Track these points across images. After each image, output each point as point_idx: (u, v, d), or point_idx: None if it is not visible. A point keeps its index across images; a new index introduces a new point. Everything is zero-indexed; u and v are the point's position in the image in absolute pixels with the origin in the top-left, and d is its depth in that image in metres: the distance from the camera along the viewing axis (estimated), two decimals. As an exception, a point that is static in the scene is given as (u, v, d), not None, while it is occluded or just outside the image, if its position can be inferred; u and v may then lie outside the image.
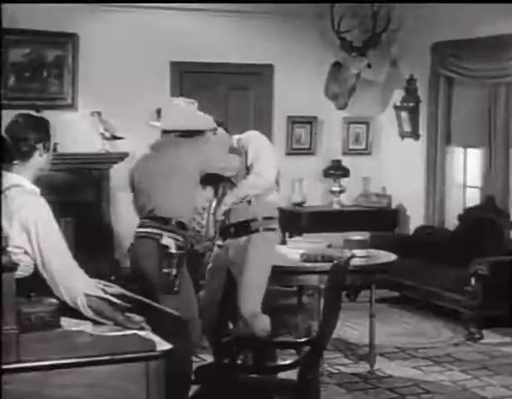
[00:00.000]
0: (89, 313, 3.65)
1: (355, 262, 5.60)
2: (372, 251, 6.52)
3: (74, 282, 3.66)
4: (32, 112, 4.11)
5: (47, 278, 3.66)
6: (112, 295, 3.81)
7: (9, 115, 4.04)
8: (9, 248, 3.32)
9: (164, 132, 5.52)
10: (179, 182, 5.18)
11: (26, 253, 3.65)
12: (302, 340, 4.18)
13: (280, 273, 5.74)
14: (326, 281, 4.00)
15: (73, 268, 3.74)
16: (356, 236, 6.75)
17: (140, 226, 5.28)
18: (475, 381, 6.12)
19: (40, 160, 3.87)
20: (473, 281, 7.23)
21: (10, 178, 3.69)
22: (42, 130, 3.92)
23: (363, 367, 6.38)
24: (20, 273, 3.38)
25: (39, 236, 3.65)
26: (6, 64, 7.84)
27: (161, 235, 5.11)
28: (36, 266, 3.68)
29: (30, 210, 3.67)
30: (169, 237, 5.11)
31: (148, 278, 5.06)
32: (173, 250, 5.08)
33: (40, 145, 3.86)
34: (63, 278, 3.65)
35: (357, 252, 6.07)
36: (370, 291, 6.28)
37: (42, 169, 3.92)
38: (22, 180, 3.77)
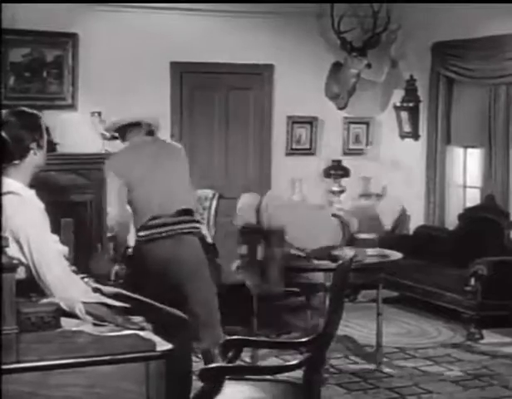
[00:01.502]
0: (88, 319, 3.64)
1: (368, 260, 5.71)
2: (382, 250, 6.57)
3: (70, 292, 3.65)
4: (24, 108, 3.99)
5: (44, 288, 3.65)
6: (108, 295, 3.81)
7: (9, 116, 4.02)
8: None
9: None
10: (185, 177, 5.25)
11: (20, 263, 3.62)
12: (305, 339, 4.17)
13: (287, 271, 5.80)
14: (331, 280, 4.00)
15: (68, 277, 3.72)
16: (365, 235, 6.80)
17: (169, 224, 5.16)
18: (475, 381, 6.12)
19: (35, 159, 3.79)
20: (473, 281, 7.23)
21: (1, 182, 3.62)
22: (34, 127, 3.82)
23: (363, 367, 6.38)
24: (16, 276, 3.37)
25: (32, 251, 3.62)
26: (6, 64, 7.83)
27: (200, 229, 5.15)
28: (29, 271, 3.66)
29: (20, 223, 3.61)
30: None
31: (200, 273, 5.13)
32: (210, 240, 5.20)
33: (34, 145, 3.78)
34: (58, 289, 3.63)
35: (368, 251, 6.14)
36: (377, 290, 6.32)
37: (39, 166, 3.86)
38: (13, 186, 3.69)
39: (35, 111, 3.92)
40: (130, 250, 5.29)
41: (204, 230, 5.23)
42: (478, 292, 7.20)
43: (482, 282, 7.18)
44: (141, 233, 5.24)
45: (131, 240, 5.39)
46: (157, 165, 5.30)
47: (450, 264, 7.74)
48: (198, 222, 5.23)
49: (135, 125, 5.41)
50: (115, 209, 5.30)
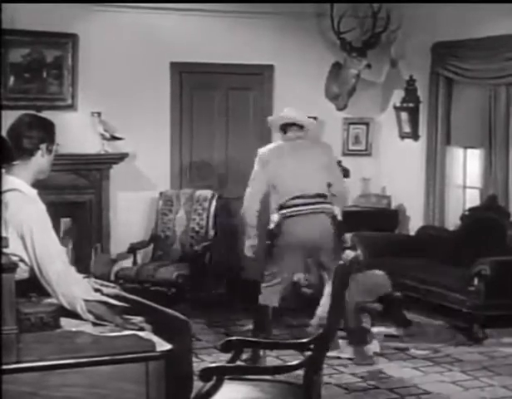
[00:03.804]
0: (89, 318, 3.65)
1: None
2: None
3: (72, 289, 3.66)
4: (37, 113, 4.08)
5: (45, 285, 3.65)
6: (108, 296, 3.82)
7: (9, 116, 4.04)
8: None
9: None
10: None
11: (22, 260, 3.64)
12: (306, 340, 4.17)
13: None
14: (332, 282, 4.01)
15: (70, 274, 3.73)
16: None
17: (306, 204, 6.27)
18: (474, 381, 6.11)
19: (41, 161, 3.84)
20: (476, 281, 7.21)
21: (6, 181, 3.66)
22: (47, 130, 3.89)
23: (363, 367, 6.38)
24: (16, 276, 3.37)
25: (35, 246, 3.63)
26: (6, 64, 7.83)
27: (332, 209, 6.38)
28: (32, 270, 3.67)
29: (25, 218, 3.64)
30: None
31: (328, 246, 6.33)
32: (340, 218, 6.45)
33: (43, 146, 3.83)
34: (60, 285, 3.64)
35: None
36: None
37: (43, 171, 3.89)
38: (18, 184, 3.73)
39: (50, 120, 4.00)
40: (271, 226, 6.34)
41: (336, 210, 6.36)
42: (481, 292, 7.18)
43: (485, 282, 7.17)
44: (283, 211, 6.29)
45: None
46: (302, 158, 6.44)
47: (453, 264, 7.73)
48: (330, 203, 6.38)
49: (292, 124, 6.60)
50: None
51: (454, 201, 8.85)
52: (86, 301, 3.66)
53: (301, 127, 6.61)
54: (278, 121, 6.73)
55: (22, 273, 3.59)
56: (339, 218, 6.42)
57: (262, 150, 6.57)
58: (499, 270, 7.18)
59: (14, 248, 3.54)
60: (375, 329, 6.86)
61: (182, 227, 8.25)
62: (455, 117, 8.70)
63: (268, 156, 6.47)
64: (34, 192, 3.80)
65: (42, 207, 3.77)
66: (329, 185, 6.46)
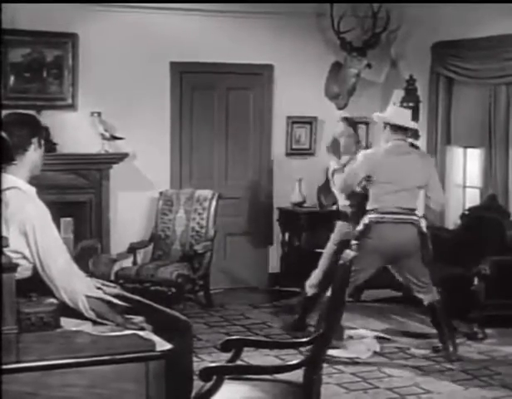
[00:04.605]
0: (91, 315, 3.66)
1: None
2: None
3: (74, 284, 3.67)
4: (27, 112, 4.08)
5: (47, 281, 3.66)
6: (109, 295, 3.82)
7: (9, 116, 4.04)
8: (7, 253, 3.32)
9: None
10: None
11: (24, 257, 3.65)
12: (306, 339, 4.17)
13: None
14: (332, 281, 4.01)
15: (72, 270, 3.74)
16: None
17: (396, 213, 6.47)
18: (474, 381, 6.11)
19: (35, 156, 3.86)
20: (476, 281, 7.21)
21: (5, 179, 3.67)
22: (35, 124, 3.93)
23: (363, 367, 6.38)
24: (17, 275, 3.38)
25: (37, 242, 3.64)
26: (6, 64, 7.83)
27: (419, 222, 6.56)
28: (35, 268, 3.68)
29: (26, 215, 3.65)
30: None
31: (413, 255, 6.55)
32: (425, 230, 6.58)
33: (34, 140, 3.85)
34: (63, 281, 3.65)
35: None
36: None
37: (37, 166, 3.90)
38: (16, 182, 3.75)
39: (31, 113, 4.02)
40: (361, 227, 6.49)
41: (423, 223, 6.56)
42: (481, 291, 7.18)
43: (485, 282, 7.16)
44: (372, 216, 6.48)
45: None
46: (406, 172, 6.59)
47: (453, 264, 7.72)
48: (417, 216, 6.59)
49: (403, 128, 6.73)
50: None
51: (454, 201, 8.85)
52: (87, 297, 3.67)
53: (405, 130, 6.76)
54: (385, 121, 6.76)
55: (24, 271, 3.60)
56: (424, 230, 6.57)
57: (369, 154, 6.71)
58: (499, 270, 7.18)
59: (16, 245, 3.56)
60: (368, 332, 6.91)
61: (182, 227, 8.26)
62: (455, 117, 8.70)
63: (374, 159, 6.60)
64: (33, 190, 3.82)
65: (42, 204, 3.79)
66: (428, 197, 6.76)
